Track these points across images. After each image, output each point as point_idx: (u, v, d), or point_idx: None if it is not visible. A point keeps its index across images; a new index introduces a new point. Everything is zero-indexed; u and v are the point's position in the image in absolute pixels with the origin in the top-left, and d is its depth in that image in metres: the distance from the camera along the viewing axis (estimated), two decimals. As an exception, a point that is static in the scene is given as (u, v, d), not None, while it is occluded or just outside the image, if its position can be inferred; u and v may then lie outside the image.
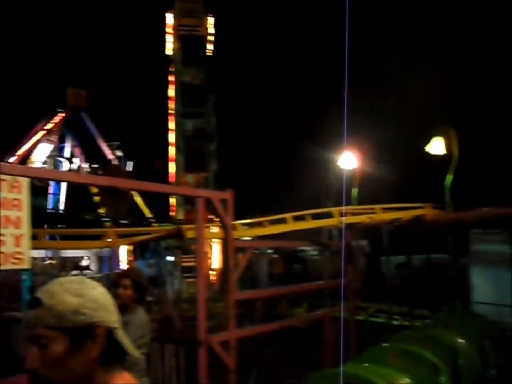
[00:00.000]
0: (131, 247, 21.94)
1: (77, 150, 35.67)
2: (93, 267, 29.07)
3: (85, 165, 33.26)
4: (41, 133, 32.99)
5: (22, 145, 31.46)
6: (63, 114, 34.88)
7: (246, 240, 14.95)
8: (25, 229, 4.19)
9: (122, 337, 1.67)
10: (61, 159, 33.64)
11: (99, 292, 1.68)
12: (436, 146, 19.89)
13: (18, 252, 4.13)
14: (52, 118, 35.27)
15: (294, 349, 13.64)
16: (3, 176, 4.11)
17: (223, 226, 5.93)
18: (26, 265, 4.24)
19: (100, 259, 29.24)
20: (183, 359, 6.58)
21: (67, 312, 1.58)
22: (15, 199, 4.15)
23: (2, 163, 4.26)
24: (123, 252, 21.84)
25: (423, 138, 21.13)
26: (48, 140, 34.38)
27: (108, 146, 34.86)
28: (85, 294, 1.63)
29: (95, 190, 30.61)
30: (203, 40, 32.39)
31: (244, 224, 17.99)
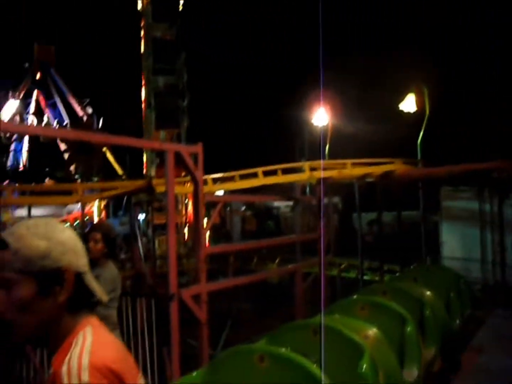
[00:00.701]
0: (103, 203, 21.83)
1: (45, 107, 35.08)
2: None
3: (54, 122, 32.78)
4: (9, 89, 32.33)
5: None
6: (33, 72, 34.24)
7: (218, 195, 14.91)
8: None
9: (91, 281, 1.64)
10: (29, 116, 33.10)
11: (67, 235, 1.63)
12: (409, 103, 19.96)
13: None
14: (19, 73, 34.57)
15: (267, 304, 13.84)
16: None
17: (193, 180, 5.89)
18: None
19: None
20: (154, 313, 6.62)
21: (34, 256, 1.54)
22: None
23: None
24: (95, 209, 21.72)
25: (396, 94, 21.18)
26: (15, 97, 33.71)
27: (78, 103, 34.37)
28: (53, 237, 1.58)
29: (64, 147, 30.27)
30: (175, -5, 31.73)
31: (215, 179, 17.93)
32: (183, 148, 5.70)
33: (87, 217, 21.07)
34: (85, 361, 1.46)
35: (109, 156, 30.40)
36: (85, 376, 1.43)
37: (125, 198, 21.38)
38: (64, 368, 1.46)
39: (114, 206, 25.54)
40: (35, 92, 35.32)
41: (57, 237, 1.59)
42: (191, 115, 29.77)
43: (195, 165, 5.85)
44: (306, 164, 17.89)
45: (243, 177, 17.85)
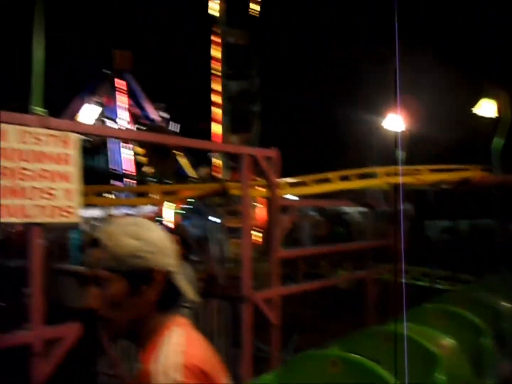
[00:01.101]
0: (177, 207, 22.23)
1: (123, 111, 36.10)
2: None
3: (131, 126, 33.68)
4: (89, 94, 33.42)
5: (71, 106, 31.94)
6: (111, 77, 35.29)
7: (293, 200, 14.89)
8: (76, 184, 4.30)
9: (180, 280, 1.66)
10: (107, 120, 34.13)
11: (157, 235, 1.65)
12: (486, 108, 19.36)
13: (68, 206, 4.24)
14: (98, 79, 35.71)
15: (335, 310, 13.72)
16: (54, 132, 4.21)
17: (268, 184, 5.96)
18: (75, 219, 4.36)
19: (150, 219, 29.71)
20: (227, 315, 6.70)
21: (125, 255, 1.58)
22: (64, 153, 4.25)
23: (52, 119, 4.35)
24: (169, 212, 22.16)
25: (473, 99, 20.61)
26: (94, 102, 34.89)
27: (154, 107, 35.20)
28: (144, 237, 1.61)
29: (140, 150, 31.06)
30: (248, 1, 32.02)
31: (288, 183, 17.93)
32: (259, 152, 5.77)
33: (159, 219, 21.53)
34: (176, 360, 1.49)
35: (181, 159, 30.96)
36: (177, 375, 1.45)
37: (197, 201, 21.69)
38: (154, 367, 1.50)
39: (187, 208, 26.02)
40: (113, 97, 36.39)
41: (147, 236, 1.62)
42: (264, 119, 29.94)
43: (269, 168, 5.91)
44: (381, 170, 17.65)
45: (317, 181, 17.77)
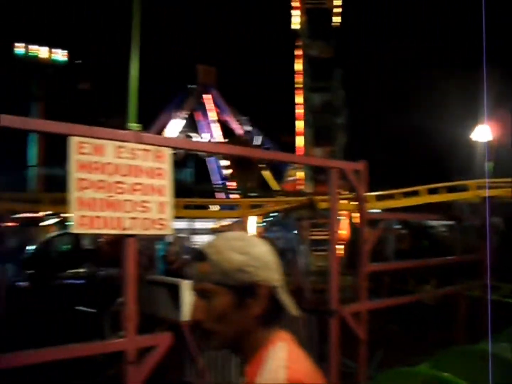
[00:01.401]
0: (260, 219, 22.39)
1: (207, 125, 36.86)
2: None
3: (215, 140, 34.30)
4: (174, 109, 34.30)
5: (158, 121, 32.87)
6: (196, 92, 36.13)
7: (377, 212, 14.73)
8: (168, 197, 4.42)
9: (283, 295, 1.67)
10: (192, 133, 34.90)
11: (262, 250, 1.67)
12: None
13: (161, 219, 4.37)
14: (183, 94, 36.63)
15: (420, 326, 13.37)
16: (148, 147, 4.35)
17: (357, 198, 5.91)
18: (168, 231, 4.48)
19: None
20: (313, 329, 6.68)
21: (232, 269, 1.60)
22: (158, 168, 4.39)
23: (145, 134, 4.49)
24: (253, 224, 22.32)
25: None
26: (180, 116, 35.80)
27: (237, 121, 35.74)
28: (249, 252, 1.64)
29: (224, 163, 31.59)
30: (330, 13, 31.95)
31: (376, 196, 17.72)
32: (347, 165, 5.74)
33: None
34: (281, 375, 1.51)
35: (265, 172, 31.17)
36: None
37: (280, 213, 21.75)
38: (259, 381, 1.53)
39: (269, 220, 26.19)
40: (198, 112, 37.23)
41: (253, 251, 1.65)
42: (348, 132, 29.70)
43: (358, 181, 5.87)
44: (471, 183, 17.15)
45: (405, 195, 17.49)
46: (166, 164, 4.43)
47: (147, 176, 4.32)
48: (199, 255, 1.67)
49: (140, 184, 4.28)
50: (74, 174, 4.02)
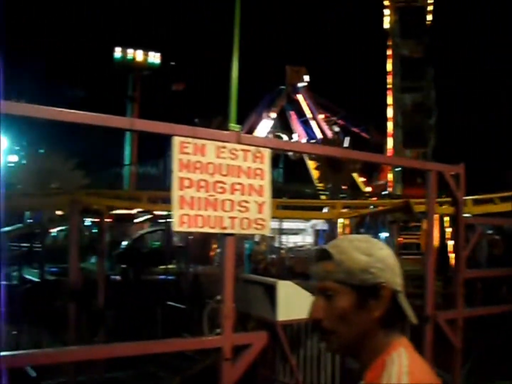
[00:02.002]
0: (347, 221, 22.19)
1: (296, 126, 36.89)
2: (309, 239, 29.97)
3: (304, 140, 34.28)
4: (264, 109, 34.53)
5: (248, 121, 33.19)
6: (285, 92, 36.23)
7: (467, 217, 14.24)
8: (267, 197, 4.46)
9: (404, 301, 1.65)
10: (281, 134, 35.01)
11: (386, 253, 1.67)
12: None
13: (260, 219, 4.41)
14: (272, 94, 36.83)
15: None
16: (248, 147, 4.41)
17: (454, 202, 5.74)
18: (266, 231, 4.52)
19: (316, 232, 30.06)
20: (407, 335, 6.55)
21: (356, 269, 1.60)
22: (258, 168, 4.43)
23: (245, 135, 4.55)
24: (340, 226, 22.14)
25: None
26: (269, 117, 36.02)
27: (326, 121, 35.57)
28: (374, 254, 1.63)
29: (312, 164, 31.50)
30: (422, 11, 31.21)
31: (473, 200, 17.14)
32: (446, 168, 5.59)
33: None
34: (404, 382, 1.49)
35: (353, 174, 30.86)
36: None
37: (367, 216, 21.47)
38: None
39: (356, 223, 25.86)
40: (287, 112, 37.31)
41: (377, 254, 1.64)
42: (439, 133, 28.95)
43: (456, 185, 5.71)
44: None
45: (503, 199, 16.85)
46: (265, 165, 4.47)
47: (247, 176, 4.38)
48: (323, 254, 1.67)
49: (239, 184, 4.34)
50: (177, 173, 4.13)
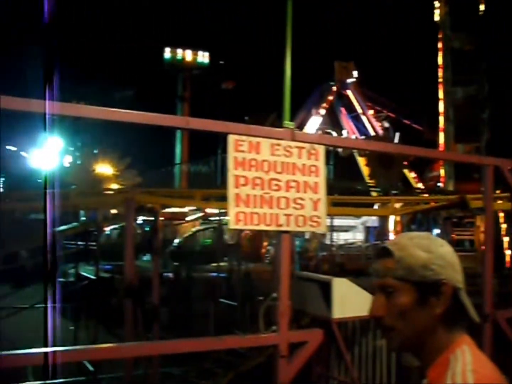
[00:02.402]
0: (398, 218, 21.93)
1: (346, 122, 36.64)
2: (359, 236, 29.71)
3: (354, 136, 33.99)
4: (313, 106, 34.40)
5: (297, 118, 33.09)
6: (334, 88, 36.00)
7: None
8: (322, 194, 4.45)
9: (465, 298, 1.64)
10: (330, 131, 34.79)
11: (446, 250, 1.66)
12: None
13: (315, 216, 4.40)
14: (321, 91, 36.65)
15: None
16: (303, 144, 4.40)
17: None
18: (322, 229, 4.51)
19: (367, 229, 29.80)
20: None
21: (416, 266, 1.60)
22: (312, 165, 4.43)
23: (299, 132, 4.55)
24: (391, 223, 21.92)
25: None
26: (318, 113, 35.87)
27: (376, 117, 35.22)
28: (434, 251, 1.63)
29: (363, 161, 31.26)
30: (474, 2, 30.48)
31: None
32: (503, 163, 5.46)
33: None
34: (470, 380, 1.48)
35: (405, 170, 30.50)
36: None
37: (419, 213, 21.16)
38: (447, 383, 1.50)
39: (408, 219, 25.55)
40: (338, 108, 37.06)
41: (437, 250, 1.64)
42: (493, 127, 28.24)
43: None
44: None
45: None
46: (320, 162, 4.46)
47: (301, 173, 4.37)
48: (383, 251, 1.68)
49: (294, 181, 4.34)
50: (232, 171, 4.16)
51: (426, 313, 1.61)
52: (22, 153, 42.21)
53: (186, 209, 20.23)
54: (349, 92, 36.46)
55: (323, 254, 23.48)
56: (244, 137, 4.22)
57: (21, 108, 3.59)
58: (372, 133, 33.88)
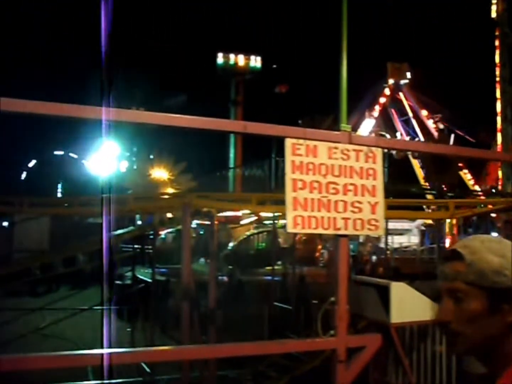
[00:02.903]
0: (454, 221, 21.50)
1: (399, 124, 36.18)
2: (414, 239, 29.30)
3: (407, 139, 33.50)
4: (366, 108, 34.10)
5: (350, 120, 32.85)
6: (387, 90, 35.61)
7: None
8: (380, 197, 4.41)
9: None
10: (384, 133, 34.42)
11: None
12: None
13: (373, 219, 4.36)
14: (374, 92, 36.28)
15: None
16: (360, 147, 4.37)
17: None
18: (380, 232, 4.46)
19: (422, 232, 29.36)
20: None
21: (489, 271, 1.54)
22: (370, 168, 4.39)
23: (356, 135, 4.52)
24: (447, 226, 21.51)
25: None
26: (371, 116, 35.54)
27: (431, 119, 34.61)
28: (507, 255, 1.56)
29: (417, 163, 30.85)
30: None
31: None
32: None
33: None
34: None
35: (461, 172, 29.91)
36: None
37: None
38: None
39: (464, 222, 25.02)
40: (390, 110, 36.63)
41: (511, 255, 1.57)
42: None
43: None
44: None
45: None
46: (377, 164, 4.41)
47: (359, 177, 4.34)
48: (452, 254, 1.62)
49: (352, 184, 4.31)
50: (290, 174, 4.15)
51: (497, 320, 1.54)
52: (83, 161, 43.46)
53: (240, 213, 20.33)
54: (401, 95, 35.97)
55: (378, 258, 23.27)
56: (301, 141, 4.21)
57: (78, 115, 3.67)
58: (421, 137, 33.33)
